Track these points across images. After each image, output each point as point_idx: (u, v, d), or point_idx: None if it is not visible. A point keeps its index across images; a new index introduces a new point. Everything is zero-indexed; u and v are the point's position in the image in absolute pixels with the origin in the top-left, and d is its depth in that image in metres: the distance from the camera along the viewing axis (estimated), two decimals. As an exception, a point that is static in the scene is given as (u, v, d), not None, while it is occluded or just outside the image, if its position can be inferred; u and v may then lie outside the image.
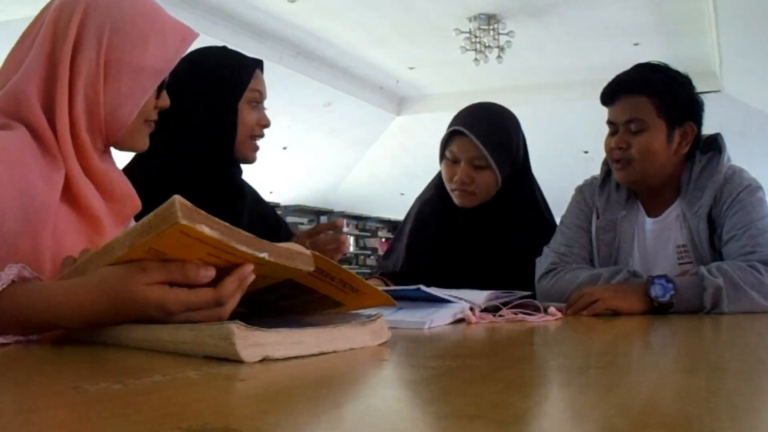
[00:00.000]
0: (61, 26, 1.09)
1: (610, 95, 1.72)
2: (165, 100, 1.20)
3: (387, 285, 1.91)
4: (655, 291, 1.47)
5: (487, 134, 1.87)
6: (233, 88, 1.65)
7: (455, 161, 1.91)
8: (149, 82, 1.14)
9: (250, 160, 1.72)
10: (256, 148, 1.72)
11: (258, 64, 1.72)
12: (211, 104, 1.63)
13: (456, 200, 1.94)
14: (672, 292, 1.47)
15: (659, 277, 1.49)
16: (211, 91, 1.63)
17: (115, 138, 1.15)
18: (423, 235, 2.03)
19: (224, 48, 1.74)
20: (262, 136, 1.72)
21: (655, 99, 1.66)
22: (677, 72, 1.73)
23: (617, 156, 1.71)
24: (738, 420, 0.49)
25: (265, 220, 1.83)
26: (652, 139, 1.67)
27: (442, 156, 1.96)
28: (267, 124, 1.71)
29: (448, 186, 1.96)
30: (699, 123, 1.71)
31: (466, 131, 1.87)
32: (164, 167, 1.58)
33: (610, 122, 1.73)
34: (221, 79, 1.64)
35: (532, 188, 2.03)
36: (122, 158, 1.23)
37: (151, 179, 1.49)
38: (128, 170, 1.60)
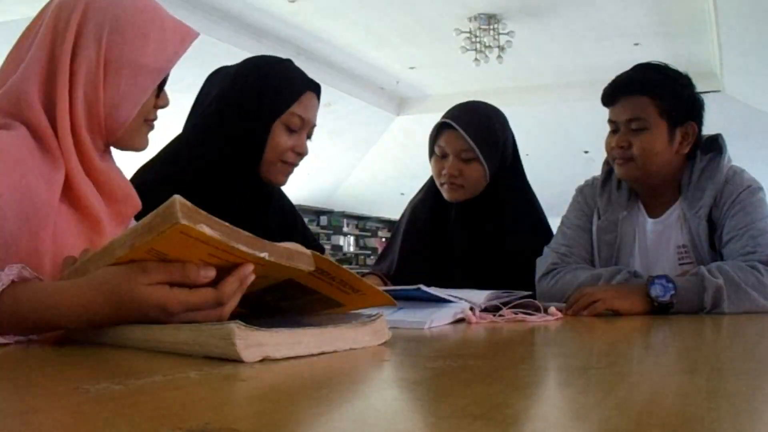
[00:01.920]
0: (60, 25, 1.09)
1: (611, 96, 1.72)
2: (165, 100, 1.20)
3: (384, 282, 1.92)
4: (656, 291, 1.47)
5: (473, 127, 1.90)
6: (270, 108, 1.56)
7: (443, 156, 1.93)
8: (149, 81, 1.14)
9: (277, 184, 1.63)
10: (287, 173, 1.62)
11: (310, 87, 1.60)
12: (243, 118, 1.55)
13: (445, 194, 1.95)
14: (672, 292, 1.47)
15: (659, 277, 1.49)
16: (247, 104, 1.56)
17: (114, 137, 1.15)
18: (416, 233, 2.04)
19: (283, 62, 1.63)
20: (294, 163, 1.61)
21: (656, 99, 1.66)
22: (678, 72, 1.73)
23: (618, 155, 1.71)
24: (738, 420, 0.49)
25: (285, 219, 1.79)
26: (654, 139, 1.67)
27: (431, 153, 1.98)
28: (302, 153, 1.60)
29: (437, 181, 1.97)
30: (700, 123, 1.72)
31: (452, 123, 1.90)
32: (184, 175, 1.54)
33: (611, 121, 1.73)
34: (260, 95, 1.56)
35: (524, 185, 2.05)
36: (122, 158, 1.22)
37: (168, 185, 1.47)
38: (147, 170, 1.58)
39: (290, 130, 1.57)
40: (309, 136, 1.63)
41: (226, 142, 1.56)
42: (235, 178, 1.58)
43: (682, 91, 1.70)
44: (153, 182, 1.46)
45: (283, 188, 1.77)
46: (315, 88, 1.62)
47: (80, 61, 1.08)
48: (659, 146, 1.67)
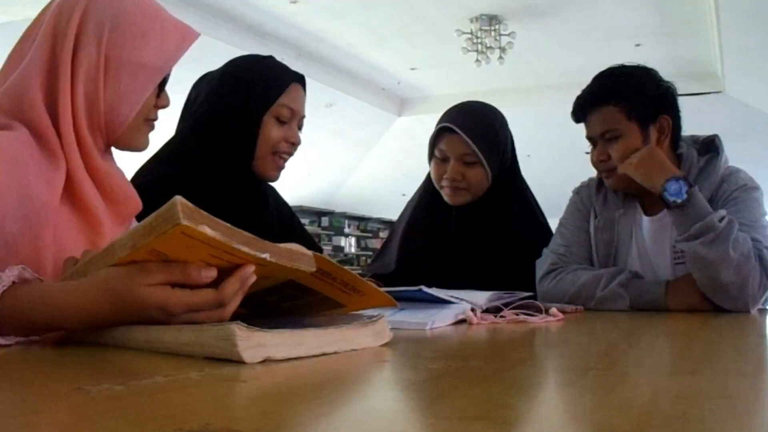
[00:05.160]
0: (61, 24, 1.09)
1: (579, 113, 1.75)
2: (165, 100, 1.20)
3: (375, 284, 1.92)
4: (670, 190, 1.54)
5: (475, 130, 1.87)
6: (259, 101, 1.59)
7: (444, 159, 1.90)
8: (148, 80, 1.14)
9: (270, 178, 1.65)
10: (279, 167, 1.64)
11: (295, 78, 1.64)
12: (233, 114, 1.59)
13: (447, 198, 1.93)
14: (685, 197, 1.52)
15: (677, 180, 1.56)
16: (236, 101, 1.59)
17: (115, 136, 1.15)
18: (415, 236, 2.02)
19: (266, 58, 1.68)
20: (289, 153, 1.64)
21: (621, 105, 1.67)
22: (638, 68, 1.72)
23: (602, 168, 1.74)
24: (739, 421, 0.49)
25: (282, 219, 1.81)
26: (628, 143, 1.67)
27: (431, 155, 1.95)
28: (295, 142, 1.63)
29: (437, 185, 1.94)
30: (673, 113, 1.71)
31: (454, 127, 1.87)
32: (182, 174, 1.56)
33: (588, 137, 1.75)
34: (248, 90, 1.59)
35: (522, 186, 2.04)
36: (122, 158, 1.23)
37: (167, 184, 1.48)
38: (146, 170, 1.60)
39: (280, 122, 1.61)
40: (300, 128, 1.66)
41: (219, 140, 1.59)
42: (232, 176, 1.60)
43: (645, 88, 1.69)
44: (151, 183, 1.47)
45: (284, 189, 1.79)
46: (300, 80, 1.66)
47: (81, 59, 1.08)
48: (635, 149, 1.66)
